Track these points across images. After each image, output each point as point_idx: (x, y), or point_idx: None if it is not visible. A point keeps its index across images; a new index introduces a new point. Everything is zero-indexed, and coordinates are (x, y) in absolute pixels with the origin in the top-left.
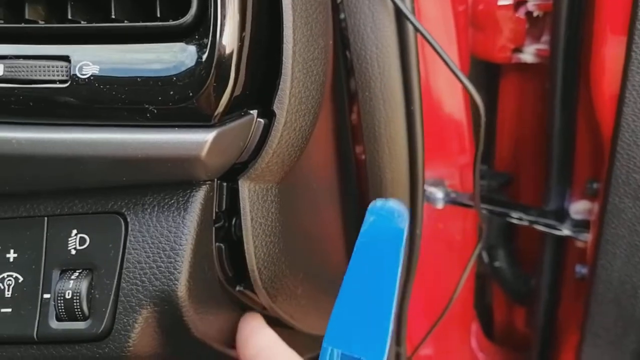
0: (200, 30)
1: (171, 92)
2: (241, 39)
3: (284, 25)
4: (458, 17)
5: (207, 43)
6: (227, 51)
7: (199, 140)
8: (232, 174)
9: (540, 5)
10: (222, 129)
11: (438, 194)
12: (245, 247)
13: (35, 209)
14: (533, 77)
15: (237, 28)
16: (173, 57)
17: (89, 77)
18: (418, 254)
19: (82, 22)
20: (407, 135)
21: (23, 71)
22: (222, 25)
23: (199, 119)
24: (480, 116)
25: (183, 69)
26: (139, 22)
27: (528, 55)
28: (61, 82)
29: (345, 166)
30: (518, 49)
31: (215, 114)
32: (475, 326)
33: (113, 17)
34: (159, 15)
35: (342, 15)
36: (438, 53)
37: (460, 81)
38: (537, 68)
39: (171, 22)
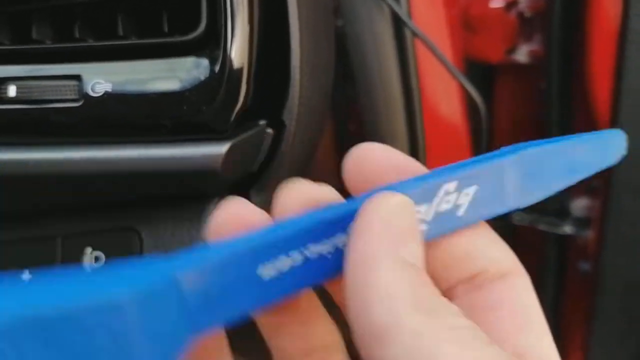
0: (211, 43)
1: (184, 107)
2: (251, 51)
3: (292, 36)
4: (451, 20)
5: (218, 56)
6: (238, 64)
7: (214, 152)
8: (241, 186)
9: (531, 6)
10: (236, 141)
11: None
12: None
13: (49, 228)
14: (527, 77)
15: (247, 41)
16: (185, 71)
17: (102, 95)
18: None
19: (89, 40)
20: (410, 143)
21: (35, 92)
22: (233, 38)
23: (213, 132)
24: (481, 116)
25: (195, 82)
26: (145, 37)
27: (521, 55)
28: (74, 100)
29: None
30: (511, 50)
31: (228, 126)
32: None
33: (120, 34)
34: (166, 30)
35: (339, 22)
36: (437, 55)
37: (459, 81)
38: (531, 68)
39: (181, 37)
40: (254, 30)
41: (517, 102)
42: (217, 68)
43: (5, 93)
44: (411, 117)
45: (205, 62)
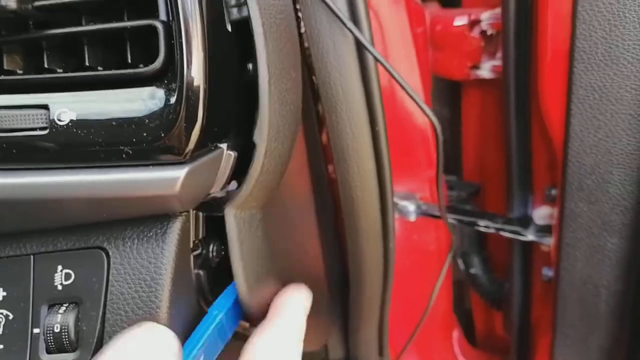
0: (169, 74)
1: (144, 134)
2: (207, 81)
3: (259, 62)
4: (417, 39)
5: (176, 86)
6: (194, 93)
7: (172, 177)
8: (212, 203)
9: (493, 24)
10: (193, 166)
11: (410, 207)
12: (234, 272)
13: (22, 247)
14: (492, 91)
15: (202, 71)
16: (144, 101)
17: (67, 124)
18: (393, 267)
19: (58, 69)
20: (374, 154)
21: (5, 121)
22: (188, 69)
23: (171, 157)
24: (438, 136)
25: (154, 111)
26: (111, 67)
27: (485, 71)
28: (41, 129)
29: (320, 184)
30: (475, 66)
31: (186, 151)
32: (457, 332)
33: (87, 64)
34: (129, 61)
35: (306, 44)
36: (395, 79)
37: (418, 104)
38: (495, 82)
39: (141, 69)
40: (211, 60)
41: (484, 114)
42: (174, 97)
43: None
44: (375, 133)
45: (163, 91)
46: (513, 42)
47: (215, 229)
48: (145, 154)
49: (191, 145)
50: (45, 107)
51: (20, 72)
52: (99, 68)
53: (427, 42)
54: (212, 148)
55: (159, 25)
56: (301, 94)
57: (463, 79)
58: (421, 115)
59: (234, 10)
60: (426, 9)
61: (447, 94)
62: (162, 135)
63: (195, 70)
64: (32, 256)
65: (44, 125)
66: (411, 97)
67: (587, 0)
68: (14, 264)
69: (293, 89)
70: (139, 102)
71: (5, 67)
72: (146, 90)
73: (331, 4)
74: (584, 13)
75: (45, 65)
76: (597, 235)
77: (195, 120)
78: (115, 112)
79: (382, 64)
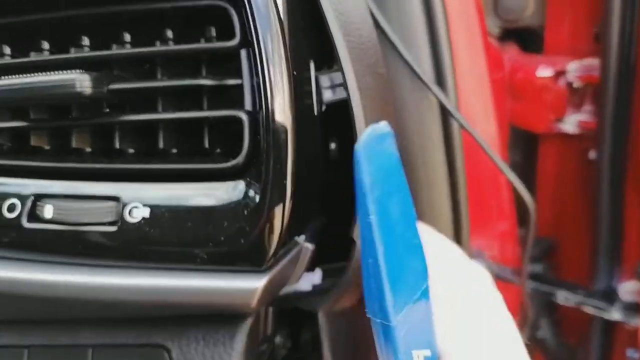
0: (252, 169)
1: (222, 237)
2: (294, 180)
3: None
4: (495, 85)
5: (260, 186)
6: (280, 193)
7: (250, 288)
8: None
9: (581, 77)
10: (273, 273)
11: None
12: None
13: (79, 337)
14: (574, 145)
15: (290, 169)
16: (223, 199)
17: (139, 221)
18: None
19: (129, 150)
20: (454, 232)
21: (72, 214)
22: (275, 167)
23: (250, 265)
24: (528, 212)
25: (234, 212)
26: (186, 150)
27: (569, 125)
28: (111, 224)
29: None
30: (559, 119)
31: (267, 259)
32: None
33: (161, 147)
34: (207, 146)
35: None
36: (486, 151)
37: (508, 177)
38: (579, 137)
39: (222, 165)
40: (297, 160)
41: (563, 167)
42: (258, 197)
43: (42, 212)
44: (456, 202)
45: (244, 189)
46: (612, 98)
47: (282, 318)
48: (221, 259)
49: (272, 250)
50: (115, 199)
51: (89, 150)
52: (173, 151)
53: (505, 90)
54: (291, 246)
55: (244, 117)
56: None
57: (545, 132)
58: (493, 165)
59: (328, 93)
60: (505, 52)
61: (522, 138)
62: (242, 241)
63: (283, 168)
64: (90, 348)
65: (114, 219)
66: (504, 172)
67: None
68: (71, 353)
69: None
70: (218, 200)
71: (73, 145)
72: (226, 187)
73: (415, 67)
74: None
75: (117, 146)
76: None
77: (279, 227)
78: (192, 211)
79: (469, 131)
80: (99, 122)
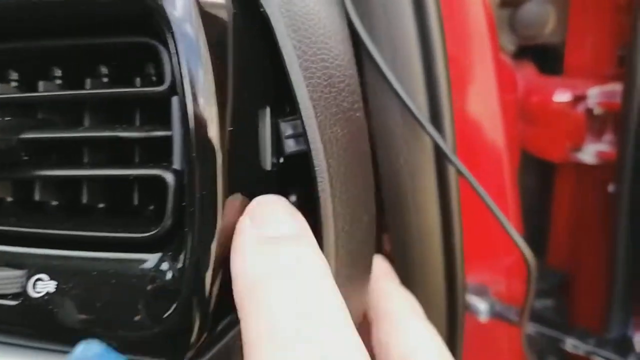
0: (175, 243)
1: (135, 322)
2: (222, 252)
3: (323, 216)
4: (506, 107)
5: (181, 262)
6: (202, 274)
7: None
8: None
9: (602, 103)
10: None
11: (481, 305)
12: None
13: None
14: (594, 176)
15: (216, 245)
16: (137, 276)
17: (42, 296)
18: None
19: (52, 202)
20: (446, 283)
21: None
22: (200, 243)
23: (168, 356)
24: (530, 271)
25: (147, 293)
26: (114, 204)
27: (588, 155)
28: (13, 297)
29: None
30: (576, 148)
31: (189, 349)
32: None
33: (84, 202)
34: (136, 203)
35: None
36: (486, 203)
37: (511, 237)
38: (599, 168)
39: (139, 235)
40: (231, 215)
41: (580, 198)
42: (175, 275)
43: None
44: (449, 257)
45: (162, 265)
46: (635, 128)
47: None
48: (134, 348)
49: (193, 338)
50: (20, 266)
51: (10, 199)
52: (100, 206)
53: (517, 113)
54: (227, 328)
55: (169, 178)
56: (374, 247)
57: (560, 161)
58: (498, 192)
59: (290, 142)
60: (519, 71)
61: (537, 162)
62: (157, 326)
63: (208, 241)
64: None
65: (18, 291)
66: (507, 231)
67: None
68: None
69: (365, 239)
70: (132, 276)
71: None
72: (141, 261)
73: (407, 100)
74: None
75: (36, 199)
76: None
77: (204, 308)
78: (101, 288)
79: (468, 180)
80: (12, 177)
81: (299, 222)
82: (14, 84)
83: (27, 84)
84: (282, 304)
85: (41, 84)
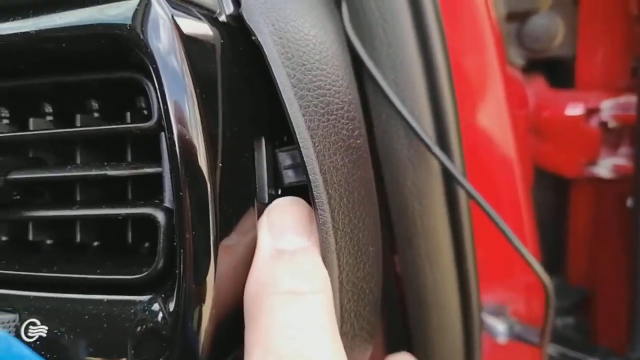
0: (168, 284)
1: None
2: (217, 296)
3: (324, 251)
4: (517, 122)
5: (173, 305)
6: (198, 318)
7: None
8: None
9: (617, 116)
10: None
11: (499, 326)
12: None
13: None
14: (611, 190)
15: (211, 284)
16: (130, 321)
17: (34, 341)
18: None
19: (47, 241)
20: (460, 304)
21: None
22: (192, 286)
23: None
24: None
25: (140, 338)
26: (109, 242)
27: (603, 169)
28: None
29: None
30: (591, 163)
31: None
32: None
33: (78, 241)
34: (130, 241)
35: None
36: (500, 227)
37: (526, 260)
38: (615, 182)
39: (131, 277)
40: (227, 254)
41: (598, 213)
42: (168, 319)
43: None
44: (463, 277)
45: (155, 309)
46: None
47: None
48: None
49: None
50: (12, 311)
51: (5, 239)
52: (95, 244)
53: (529, 128)
54: None
55: (160, 217)
56: (381, 277)
57: (575, 176)
58: (513, 209)
59: (289, 173)
60: (530, 86)
61: (552, 177)
62: None
63: (203, 284)
64: None
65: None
66: (522, 254)
67: None
68: None
69: (371, 274)
70: (124, 320)
71: None
72: (134, 304)
73: (412, 121)
74: None
75: (30, 238)
76: None
77: (197, 353)
78: (93, 334)
79: (479, 203)
80: (4, 219)
81: (312, 236)
82: (5, 121)
83: (19, 121)
84: (278, 324)
85: (32, 121)
